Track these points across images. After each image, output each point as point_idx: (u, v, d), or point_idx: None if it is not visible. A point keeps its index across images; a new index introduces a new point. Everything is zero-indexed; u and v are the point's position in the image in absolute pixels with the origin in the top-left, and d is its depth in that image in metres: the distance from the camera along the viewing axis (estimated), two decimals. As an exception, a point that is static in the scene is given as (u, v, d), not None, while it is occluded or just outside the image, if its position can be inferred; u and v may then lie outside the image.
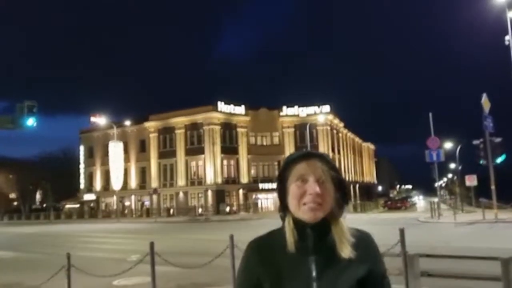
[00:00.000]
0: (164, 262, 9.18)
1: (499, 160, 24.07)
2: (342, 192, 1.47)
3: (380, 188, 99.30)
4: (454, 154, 47.38)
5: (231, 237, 8.91)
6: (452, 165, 59.24)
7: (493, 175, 23.74)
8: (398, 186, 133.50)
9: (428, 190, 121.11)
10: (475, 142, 24.56)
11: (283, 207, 1.47)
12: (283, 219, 1.47)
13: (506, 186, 34.90)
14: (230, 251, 8.86)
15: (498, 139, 24.07)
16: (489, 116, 23.38)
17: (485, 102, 23.49)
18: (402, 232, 7.79)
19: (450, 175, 62.88)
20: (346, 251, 1.38)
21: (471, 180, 33.14)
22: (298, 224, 1.41)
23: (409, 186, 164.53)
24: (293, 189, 1.42)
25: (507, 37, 23.22)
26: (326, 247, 1.40)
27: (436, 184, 42.33)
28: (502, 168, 26.36)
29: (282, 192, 1.47)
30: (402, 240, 7.73)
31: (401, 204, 58.18)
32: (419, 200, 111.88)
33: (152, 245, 8.74)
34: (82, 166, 68.46)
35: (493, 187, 23.83)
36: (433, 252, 9.40)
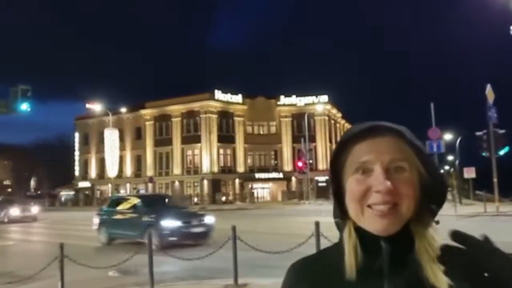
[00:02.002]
0: (162, 253, 8.82)
1: (502, 152, 23.79)
2: (435, 187, 0.95)
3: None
4: (453, 145, 47.18)
5: (233, 228, 8.54)
6: (450, 157, 59.17)
7: (495, 167, 23.47)
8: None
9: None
10: (478, 133, 24.23)
11: (341, 210, 0.98)
12: (340, 228, 1.00)
13: (504, 179, 34.78)
14: (232, 242, 8.49)
15: (501, 131, 23.79)
16: (493, 107, 23.09)
17: (489, 93, 23.16)
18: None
19: (447, 167, 62.88)
20: (440, 278, 0.89)
21: (470, 172, 32.90)
22: (365, 236, 0.94)
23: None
24: (350, 184, 0.95)
25: (512, 27, 22.81)
26: (406, 270, 0.93)
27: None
28: (500, 161, 26.12)
29: (337, 189, 0.99)
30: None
31: (398, 195, 57.88)
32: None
33: (149, 235, 8.36)
34: (77, 153, 67.91)
35: (495, 179, 23.57)
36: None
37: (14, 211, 30.35)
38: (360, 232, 0.94)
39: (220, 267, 9.49)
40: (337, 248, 0.99)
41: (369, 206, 0.91)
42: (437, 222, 0.97)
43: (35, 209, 32.12)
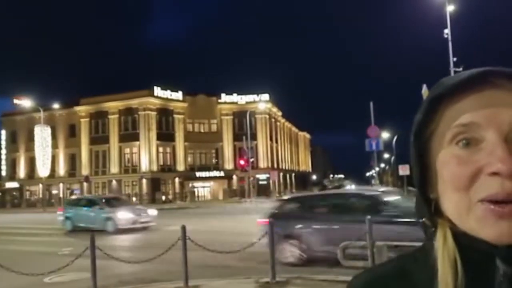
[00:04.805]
0: (103, 255, 8.16)
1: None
2: None
3: (314, 177, 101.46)
4: (390, 143, 49.13)
5: (183, 228, 8.10)
6: (386, 155, 61.68)
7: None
8: (331, 175, 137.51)
9: (359, 179, 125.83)
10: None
11: (428, 204, 0.62)
12: (428, 232, 0.64)
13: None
14: (182, 242, 8.05)
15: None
16: (429, 107, 24.07)
17: (425, 93, 24.03)
18: (369, 222, 7.38)
19: (382, 165, 65.53)
20: None
21: (404, 170, 34.37)
22: (471, 246, 0.58)
23: (342, 176, 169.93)
24: (446, 163, 0.59)
25: (446, 30, 23.92)
26: None
27: (371, 173, 43.62)
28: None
29: (423, 170, 0.64)
30: (370, 231, 7.32)
31: (336, 192, 59.50)
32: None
33: (93, 237, 7.73)
34: (3, 152, 63.67)
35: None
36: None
37: None
38: (463, 240, 0.58)
39: (169, 269, 9.01)
40: (423, 260, 0.62)
41: (480, 200, 0.56)
42: None
43: None
